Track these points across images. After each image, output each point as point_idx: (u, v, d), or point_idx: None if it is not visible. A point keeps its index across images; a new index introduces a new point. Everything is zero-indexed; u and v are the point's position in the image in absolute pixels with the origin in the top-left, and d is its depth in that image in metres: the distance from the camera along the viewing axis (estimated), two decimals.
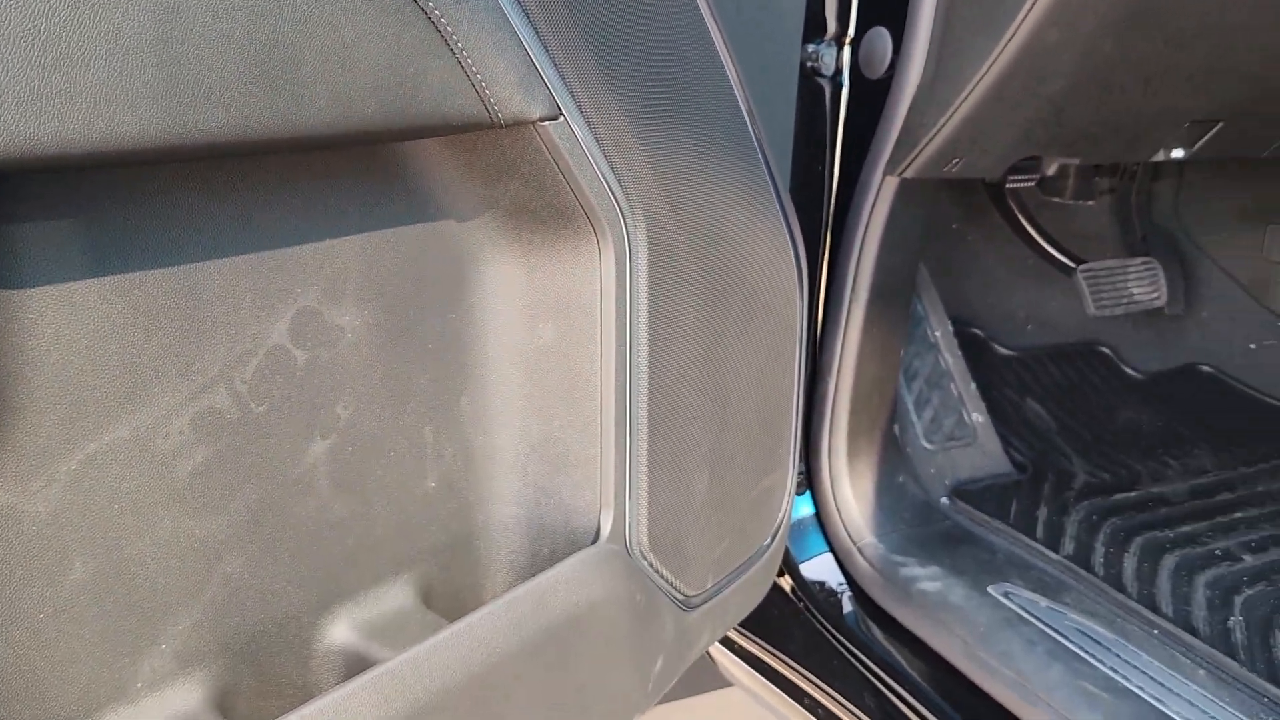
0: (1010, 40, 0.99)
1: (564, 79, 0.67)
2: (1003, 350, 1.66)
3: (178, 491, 0.61)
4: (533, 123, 0.66)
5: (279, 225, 0.63)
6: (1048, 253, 1.62)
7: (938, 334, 1.44)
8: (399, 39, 0.57)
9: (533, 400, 0.79)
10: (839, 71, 1.15)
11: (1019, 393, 1.58)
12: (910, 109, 1.09)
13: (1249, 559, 1.22)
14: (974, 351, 1.54)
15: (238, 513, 0.64)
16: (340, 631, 0.73)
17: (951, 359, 1.43)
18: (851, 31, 1.14)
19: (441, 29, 0.59)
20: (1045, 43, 0.99)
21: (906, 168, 1.13)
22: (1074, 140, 1.18)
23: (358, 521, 0.72)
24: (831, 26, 1.15)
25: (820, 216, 1.19)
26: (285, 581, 0.68)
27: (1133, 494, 1.37)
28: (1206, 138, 1.24)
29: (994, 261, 1.70)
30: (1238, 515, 1.32)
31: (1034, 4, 0.96)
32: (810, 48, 1.16)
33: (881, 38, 1.11)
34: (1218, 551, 1.24)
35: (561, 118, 0.67)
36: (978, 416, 1.42)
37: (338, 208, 0.66)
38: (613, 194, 0.72)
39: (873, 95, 1.13)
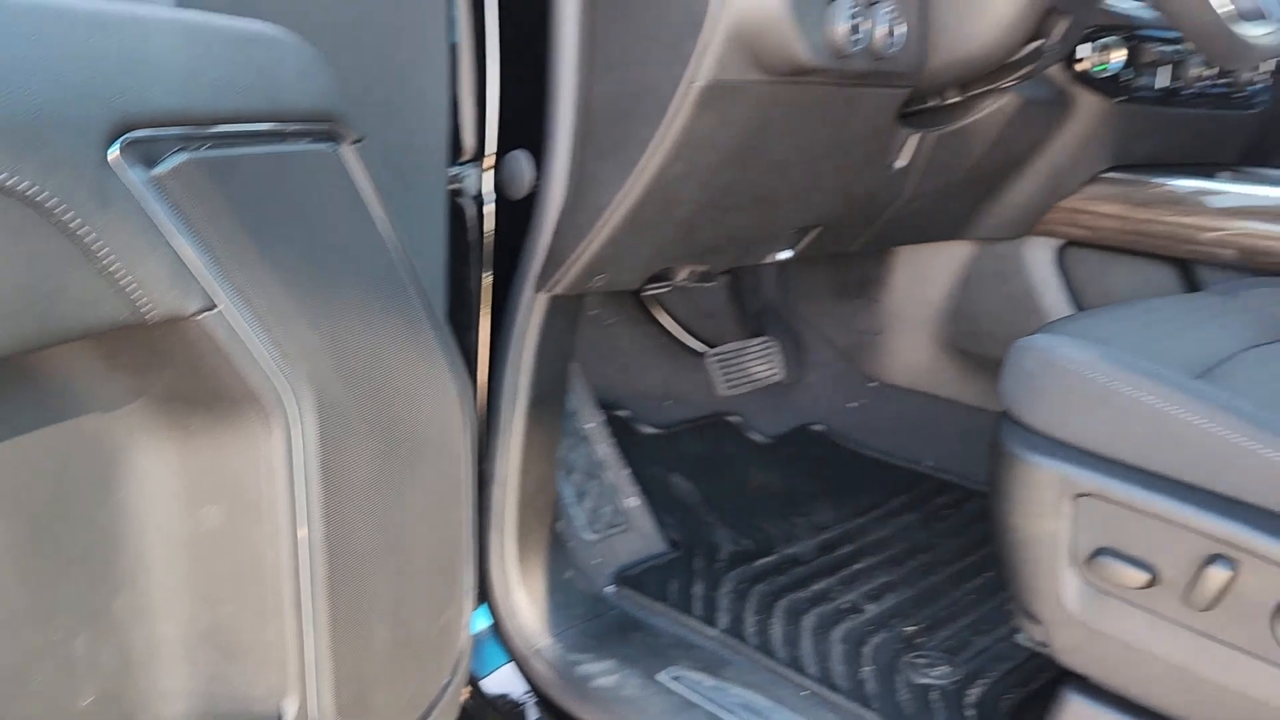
0: (641, 173, 1.07)
1: (221, 268, 0.63)
2: (647, 429, 1.77)
3: None
4: (188, 317, 0.62)
5: None
6: (679, 340, 1.76)
7: (589, 426, 1.51)
8: (34, 257, 0.52)
9: (199, 587, 0.74)
10: (483, 193, 1.18)
11: (665, 470, 1.69)
12: (555, 231, 1.14)
13: (871, 608, 1.39)
14: (621, 434, 1.62)
15: None
16: None
17: (604, 449, 1.51)
18: (493, 153, 1.17)
19: (83, 239, 0.54)
20: (672, 175, 1.08)
21: (555, 285, 1.18)
22: (701, 253, 1.29)
23: None
24: (471, 148, 1.18)
25: (476, 335, 1.21)
26: None
27: (772, 558, 1.51)
28: (807, 240, 1.41)
29: (632, 344, 1.81)
30: (858, 566, 1.50)
31: (660, 142, 1.05)
32: (453, 170, 1.18)
33: (522, 160, 1.16)
34: (845, 605, 1.40)
35: (219, 308, 0.64)
36: (632, 501, 1.50)
37: None
38: (276, 371, 0.69)
39: (518, 216, 1.17)
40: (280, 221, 0.69)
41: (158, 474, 0.70)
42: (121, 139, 0.56)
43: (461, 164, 1.18)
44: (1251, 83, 1.69)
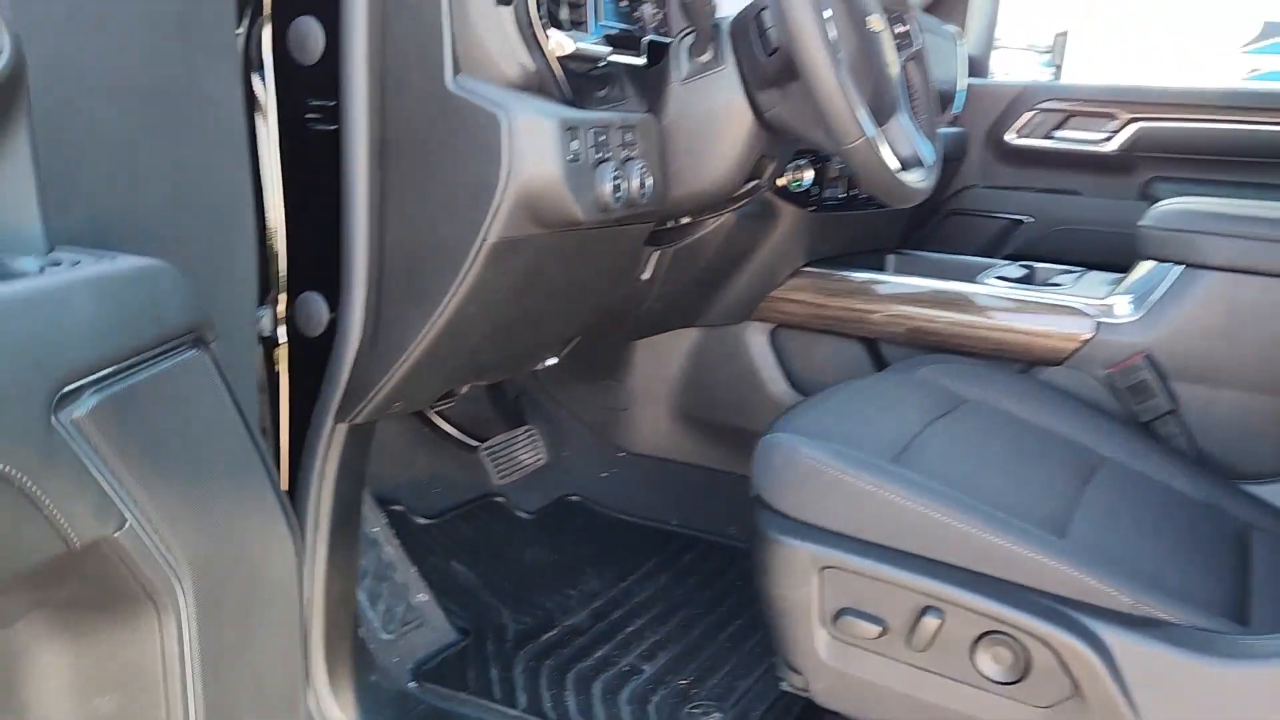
0: (439, 316, 1.19)
1: (126, 487, 0.70)
2: (421, 520, 1.86)
3: None
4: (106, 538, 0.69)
5: None
6: (450, 435, 1.88)
7: (375, 530, 1.59)
8: None
9: None
10: (278, 331, 1.25)
11: (444, 559, 1.79)
12: (354, 367, 1.24)
13: (648, 668, 1.58)
14: (400, 528, 1.71)
15: None
16: None
17: (391, 549, 1.60)
18: (284, 292, 1.25)
19: (28, 491, 0.61)
20: (465, 315, 1.21)
21: (355, 416, 1.27)
22: (484, 371, 1.43)
23: None
24: (264, 290, 1.25)
25: (277, 464, 1.27)
26: None
27: (554, 632, 1.66)
28: (570, 346, 1.58)
29: (400, 437, 1.90)
30: (630, 629, 1.69)
31: (456, 290, 1.18)
32: None
33: (316, 301, 1.24)
34: (625, 668, 1.57)
35: (129, 522, 0.71)
36: (421, 595, 1.60)
37: None
38: (170, 570, 0.76)
39: (314, 352, 1.25)
40: (168, 430, 0.77)
41: (57, 673, 0.75)
42: (55, 397, 0.63)
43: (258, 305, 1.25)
44: None
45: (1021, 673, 1.10)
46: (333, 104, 1.17)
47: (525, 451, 1.95)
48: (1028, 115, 2.73)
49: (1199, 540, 1.29)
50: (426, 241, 1.18)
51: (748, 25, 1.31)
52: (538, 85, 1.18)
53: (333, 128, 1.18)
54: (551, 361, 1.57)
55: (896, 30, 1.47)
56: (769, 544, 1.22)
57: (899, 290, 1.82)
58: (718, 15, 1.35)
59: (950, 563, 1.14)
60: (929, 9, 2.72)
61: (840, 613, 1.18)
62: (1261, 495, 1.48)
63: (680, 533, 2.03)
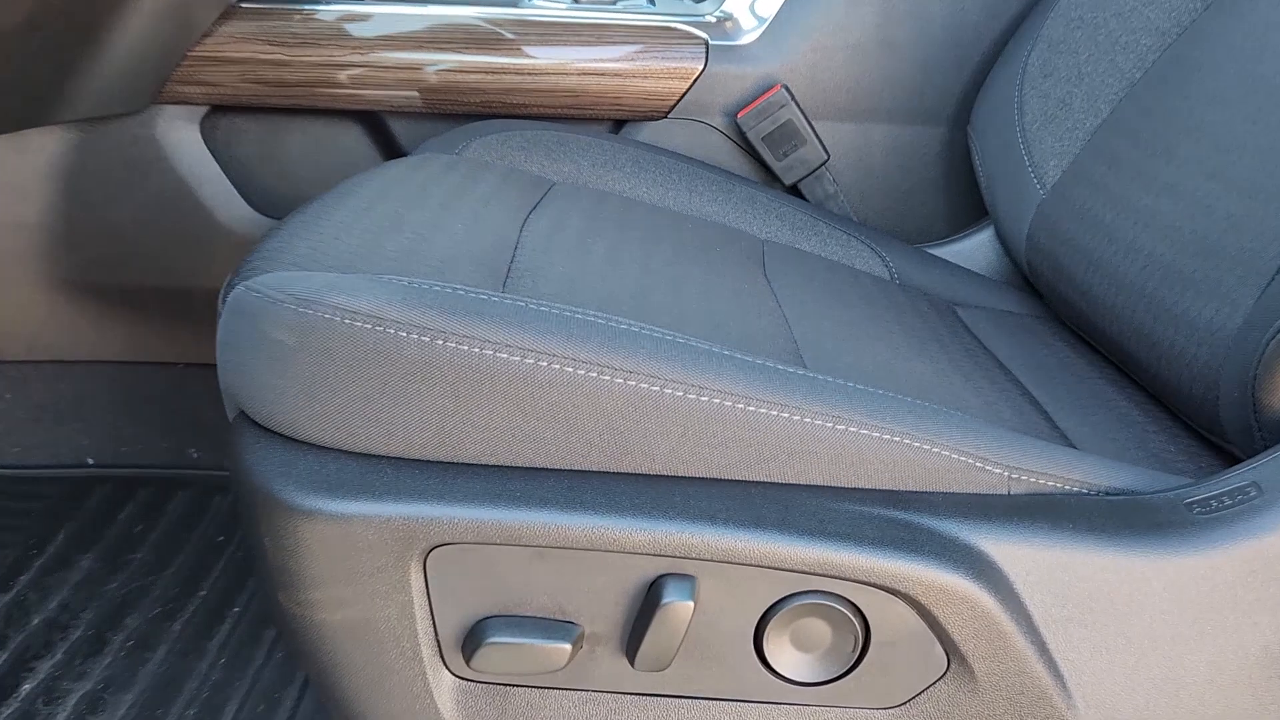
0: None
1: None
2: None
3: None
4: None
5: None
6: None
7: None
8: None
9: None
10: None
11: None
12: None
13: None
14: None
15: None
16: None
17: None
18: None
19: None
20: None
21: None
22: None
23: None
24: None
25: None
26: None
27: (16, 703, 0.84)
28: None
29: None
30: (55, 660, 0.92)
31: None
32: None
33: None
34: None
35: None
36: None
37: None
38: None
39: None
40: None
41: None
42: None
43: None
44: None
45: (855, 658, 0.57)
46: None
47: None
48: None
49: (944, 345, 0.85)
50: None
51: None
52: None
53: None
54: None
55: None
56: (294, 520, 0.54)
57: (408, 27, 1.13)
58: None
59: (684, 475, 0.56)
60: None
61: (478, 631, 0.55)
62: (945, 256, 1.10)
63: (106, 475, 1.23)
